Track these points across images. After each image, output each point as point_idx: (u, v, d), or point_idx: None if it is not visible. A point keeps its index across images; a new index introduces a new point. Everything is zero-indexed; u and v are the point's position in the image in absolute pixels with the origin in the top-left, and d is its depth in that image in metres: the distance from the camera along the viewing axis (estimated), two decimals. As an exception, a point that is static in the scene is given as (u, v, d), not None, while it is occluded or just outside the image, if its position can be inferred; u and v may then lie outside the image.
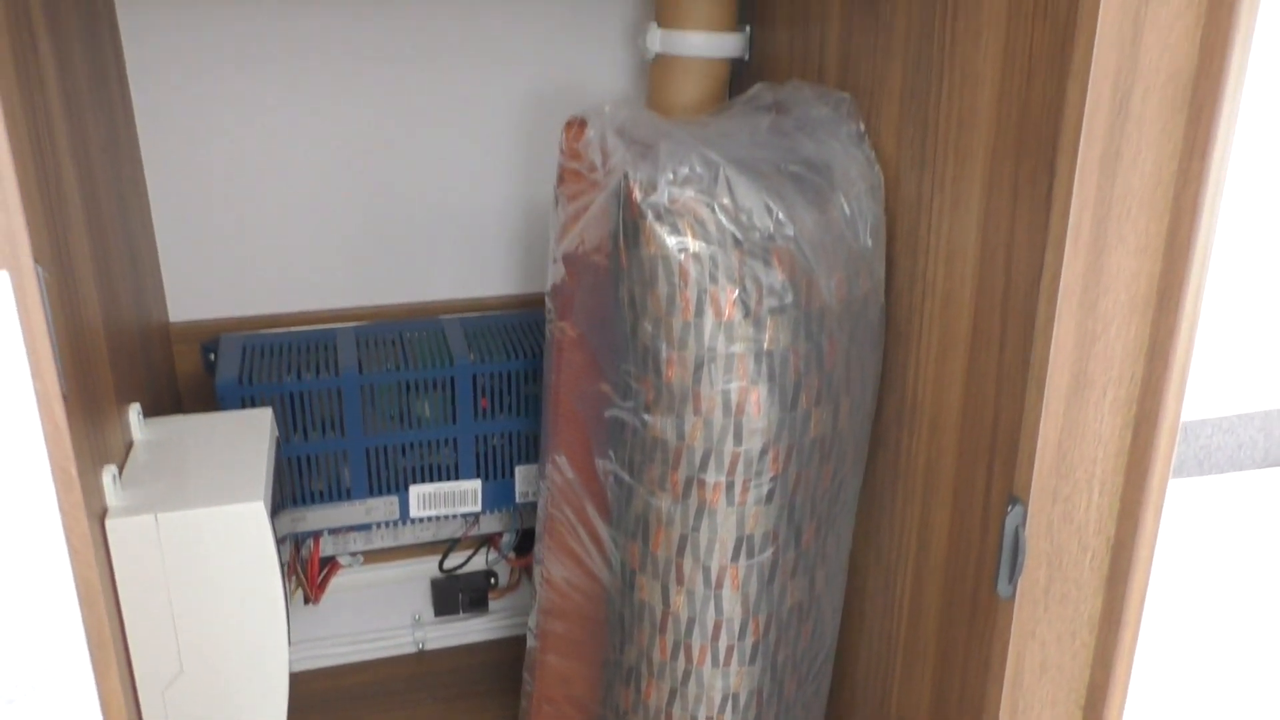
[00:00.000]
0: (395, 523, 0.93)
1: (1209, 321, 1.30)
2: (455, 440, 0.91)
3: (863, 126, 0.70)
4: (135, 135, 0.86)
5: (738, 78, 0.90)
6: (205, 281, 0.93)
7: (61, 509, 0.37)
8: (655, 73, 0.87)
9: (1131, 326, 0.48)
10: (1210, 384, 1.36)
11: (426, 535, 0.97)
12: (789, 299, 0.62)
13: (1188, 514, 1.27)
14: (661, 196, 0.60)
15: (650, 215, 0.60)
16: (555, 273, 0.74)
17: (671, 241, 0.60)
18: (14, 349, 0.35)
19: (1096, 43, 0.43)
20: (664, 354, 0.62)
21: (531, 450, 0.93)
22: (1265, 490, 1.34)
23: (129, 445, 0.71)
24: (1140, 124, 0.45)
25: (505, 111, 0.94)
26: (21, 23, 0.50)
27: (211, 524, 0.64)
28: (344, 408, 0.86)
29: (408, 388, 0.88)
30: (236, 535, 0.64)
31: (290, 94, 0.89)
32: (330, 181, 0.92)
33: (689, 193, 0.61)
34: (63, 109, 0.61)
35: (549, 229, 0.74)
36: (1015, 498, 0.53)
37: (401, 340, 0.92)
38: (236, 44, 0.86)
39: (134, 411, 0.72)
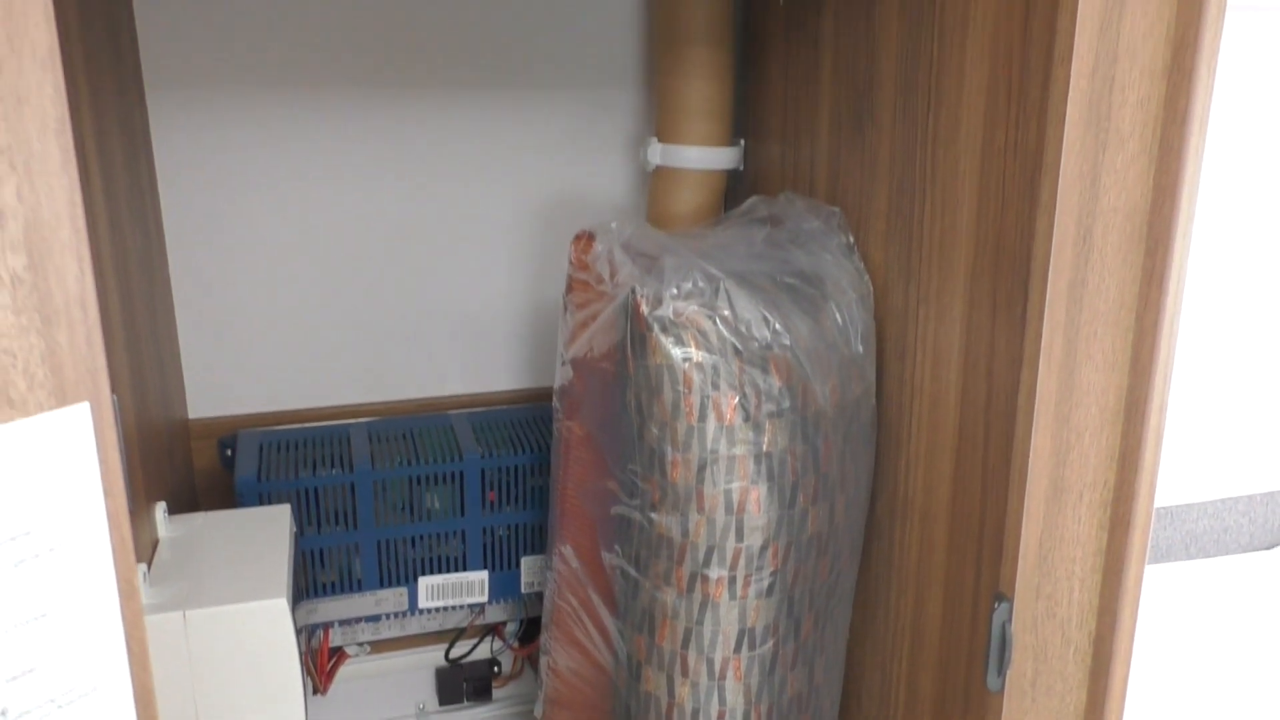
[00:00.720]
0: (403, 613, 0.95)
1: (1194, 409, 1.34)
2: (463, 532, 0.94)
3: (852, 239, 0.75)
4: (164, 244, 0.91)
5: (733, 187, 0.95)
6: (224, 379, 0.96)
7: (124, 617, 0.41)
8: (656, 183, 0.93)
9: (1103, 436, 0.52)
10: (1195, 469, 1.40)
11: (433, 625, 0.99)
12: (786, 404, 0.66)
13: (1175, 598, 1.30)
14: (666, 310, 0.65)
15: (656, 328, 0.65)
16: (563, 374, 0.78)
17: (676, 352, 0.64)
18: (90, 472, 0.39)
19: (1060, 183, 0.48)
20: (669, 456, 0.66)
21: (536, 541, 0.96)
22: (1251, 574, 1.37)
23: (155, 543, 0.74)
24: (1103, 255, 0.49)
25: (514, 215, 1.00)
26: (77, 149, 0.55)
27: (236, 620, 0.66)
28: (357, 502, 0.89)
29: (418, 481, 0.91)
30: (260, 630, 0.67)
31: (308, 202, 0.94)
32: (345, 283, 0.97)
33: (692, 306, 0.65)
34: (108, 228, 0.66)
35: (558, 333, 0.78)
36: (1001, 594, 0.56)
37: (412, 435, 0.96)
38: (257, 156, 0.91)
39: (160, 510, 0.75)
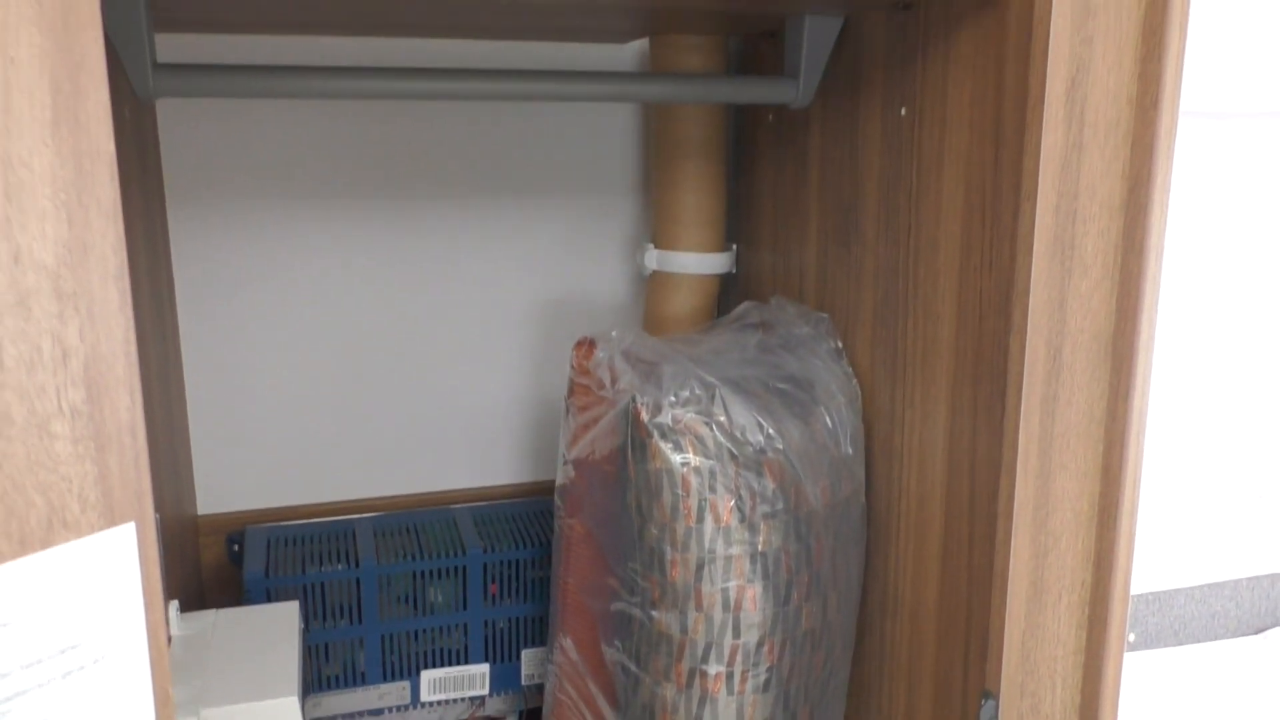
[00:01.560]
0: (406, 707, 0.96)
1: (1181, 494, 1.37)
2: (465, 625, 0.96)
3: (840, 344, 0.79)
4: (179, 346, 0.94)
5: (726, 289, 1.00)
6: (232, 475, 0.99)
7: (156, 723, 0.43)
8: (652, 286, 0.97)
9: (1079, 540, 0.56)
10: (1182, 554, 1.43)
11: (434, 718, 1.00)
12: (780, 504, 0.70)
13: (1164, 685, 1.31)
14: (666, 417, 0.68)
15: (656, 434, 0.68)
16: (565, 473, 0.81)
17: (675, 458, 0.68)
18: (133, 587, 0.42)
19: (1030, 307, 0.53)
20: (669, 555, 0.69)
21: (536, 634, 0.97)
22: (1239, 659, 1.39)
23: (168, 641, 0.76)
24: (1072, 372, 0.53)
25: (517, 314, 1.04)
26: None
27: (249, 719, 0.68)
28: (362, 596, 0.92)
29: (422, 576, 0.93)
30: (271, 729, 0.69)
31: (317, 304, 0.98)
32: (352, 381, 1.01)
33: (690, 413, 0.69)
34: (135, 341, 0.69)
35: (559, 432, 0.82)
36: (988, 692, 0.59)
37: (416, 530, 0.98)
38: (270, 262, 0.96)
39: (173, 608, 0.78)
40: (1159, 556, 1.39)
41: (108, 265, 0.40)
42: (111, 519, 0.41)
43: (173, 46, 0.87)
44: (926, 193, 0.67)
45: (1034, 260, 0.52)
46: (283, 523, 0.99)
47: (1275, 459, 1.39)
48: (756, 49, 0.93)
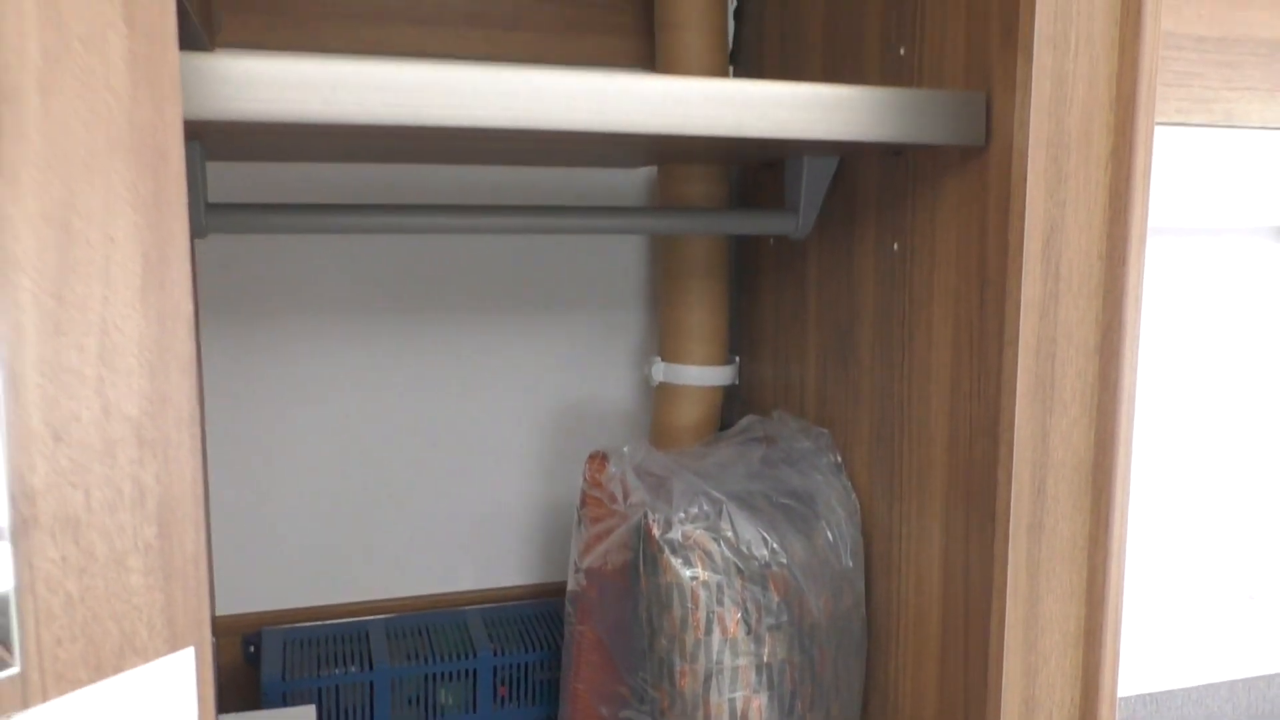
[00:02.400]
0: (414, 810, 0.98)
1: (1176, 596, 1.40)
2: (475, 728, 0.98)
3: (840, 459, 0.84)
4: (206, 452, 0.99)
5: (729, 399, 1.05)
6: (249, 577, 1.02)
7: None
8: (659, 397, 1.02)
9: (1066, 660, 0.59)
10: (1178, 655, 1.45)
11: (441, 821, 1.02)
12: (784, 617, 0.73)
13: (1164, 788, 1.32)
14: (676, 533, 0.72)
15: (667, 550, 0.72)
16: (576, 581, 0.85)
17: (685, 572, 0.71)
18: (189, 706, 0.45)
19: (1015, 442, 0.57)
20: (678, 666, 0.72)
21: (544, 736, 1.00)
22: (1237, 762, 1.40)
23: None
24: (1056, 502, 0.58)
25: (528, 423, 1.08)
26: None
27: (271, 826, 0.71)
28: (374, 700, 0.94)
29: (433, 678, 0.96)
30: (291, 836, 0.71)
31: (335, 412, 1.02)
32: (366, 485, 1.04)
33: (699, 529, 0.73)
34: (202, 480, 0.74)
35: (571, 541, 0.85)
36: (985, 804, 0.61)
37: (428, 632, 1.01)
38: (291, 371, 1.00)
39: (197, 713, 0.80)
40: (1156, 657, 1.42)
41: (182, 413, 0.44)
42: (174, 644, 0.45)
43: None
44: (918, 323, 0.72)
45: (1017, 399, 0.56)
46: (298, 624, 1.02)
47: (1263, 561, 1.42)
48: (757, 177, 1.00)
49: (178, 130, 0.43)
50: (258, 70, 0.49)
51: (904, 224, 0.74)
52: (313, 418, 1.02)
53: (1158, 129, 0.92)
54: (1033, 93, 0.55)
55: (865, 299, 0.80)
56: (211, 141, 0.68)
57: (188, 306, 0.44)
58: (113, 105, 0.41)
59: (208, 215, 0.69)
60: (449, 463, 1.07)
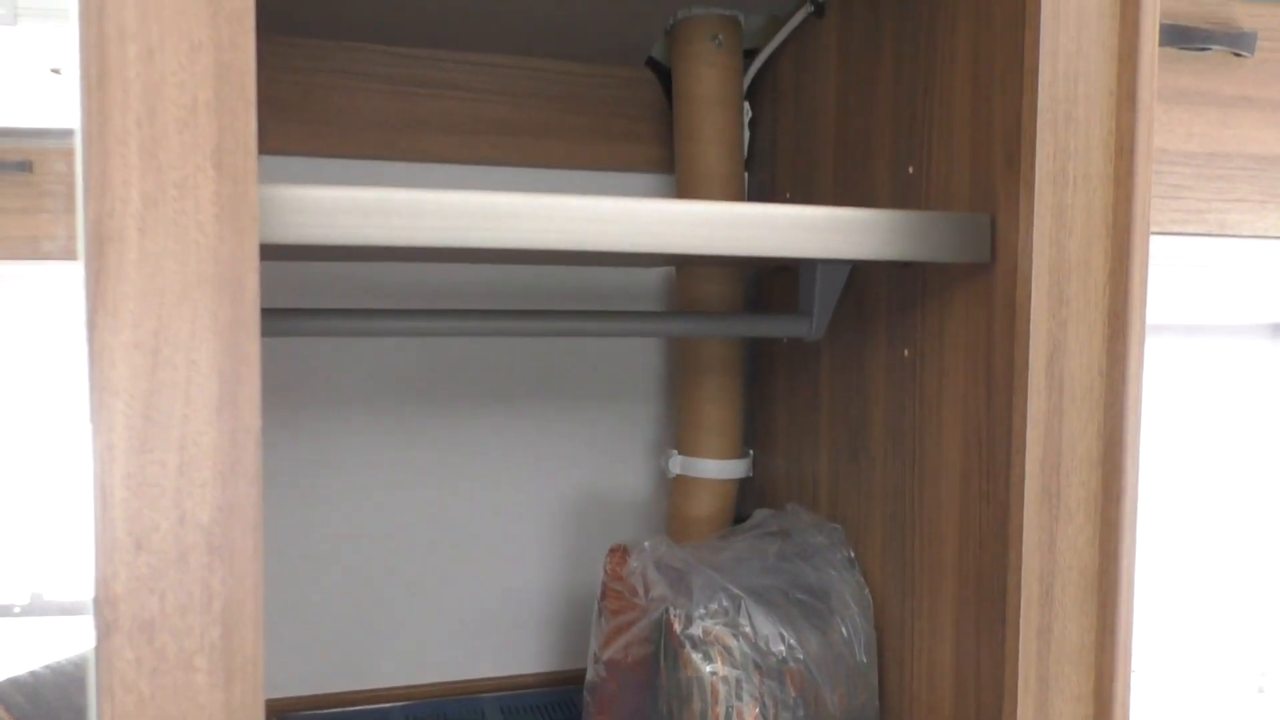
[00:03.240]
0: None
1: (1183, 691, 1.41)
2: (491, 818, 0.99)
3: (853, 554, 0.86)
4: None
5: (744, 492, 1.08)
6: (270, 665, 1.04)
7: None
8: (676, 489, 1.05)
9: (1076, 759, 0.61)
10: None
11: None
12: (801, 712, 0.75)
13: None
14: (696, 629, 0.75)
15: (688, 645, 0.74)
16: (595, 672, 0.87)
17: (705, 668, 0.74)
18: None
19: (1024, 549, 0.60)
20: (697, 759, 0.74)
21: (560, 827, 1.00)
22: None
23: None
24: (1063, 606, 0.60)
25: (547, 513, 1.11)
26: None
27: None
28: (394, 787, 0.95)
29: (452, 767, 0.97)
30: None
31: (352, 500, 1.05)
32: (387, 574, 1.07)
33: (718, 625, 0.75)
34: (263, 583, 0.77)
35: (590, 631, 0.88)
36: None
37: (446, 719, 1.02)
38: (316, 462, 1.04)
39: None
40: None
41: (248, 521, 0.48)
42: (232, 740, 0.47)
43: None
44: (928, 426, 0.75)
45: (1025, 506, 0.60)
46: (319, 711, 1.04)
47: (1272, 654, 1.43)
48: (772, 278, 1.04)
49: (255, 259, 0.48)
50: (325, 200, 0.53)
51: (914, 331, 0.78)
52: (332, 506, 1.05)
53: (1154, 238, 0.97)
54: (1035, 222, 0.59)
55: (877, 400, 0.84)
56: (266, 252, 0.72)
57: (256, 421, 0.48)
58: (200, 242, 0.45)
59: (264, 319, 0.73)
60: (468, 551, 1.09)
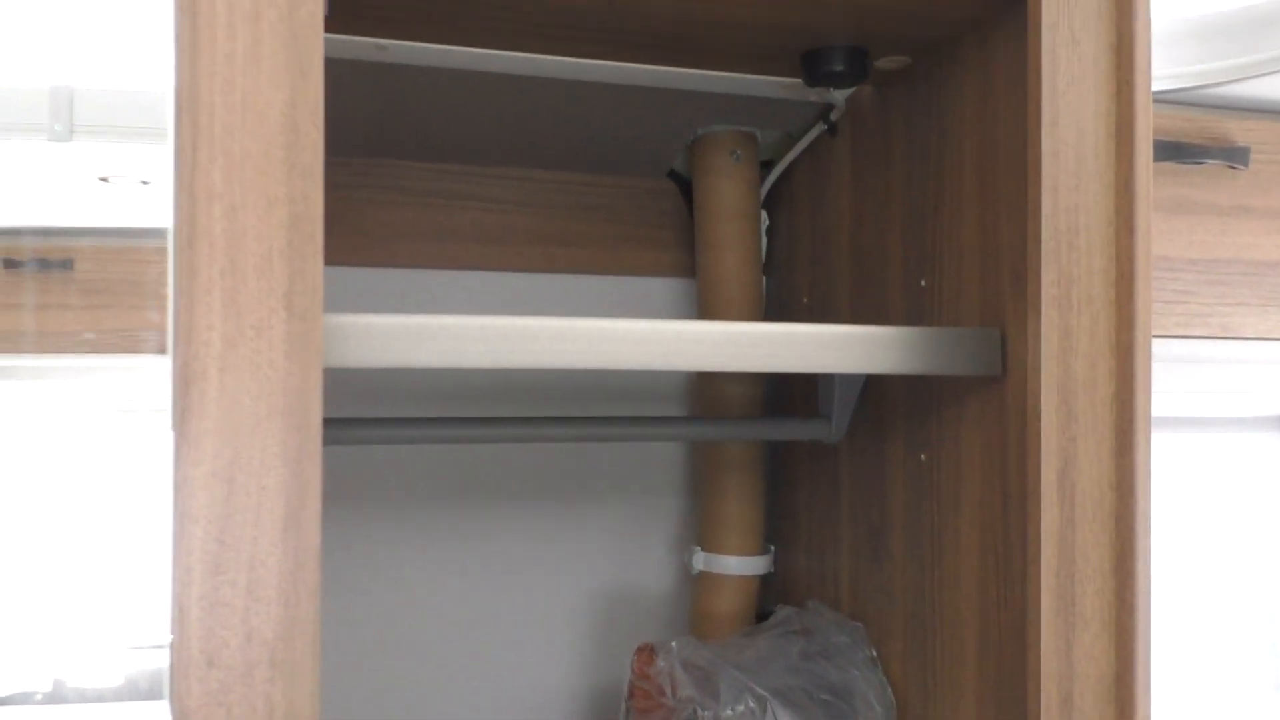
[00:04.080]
0: None
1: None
2: None
3: (875, 653, 0.88)
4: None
5: (766, 588, 1.10)
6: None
7: None
8: (699, 585, 1.07)
9: None
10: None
11: None
12: (827, 814, 0.77)
13: None
14: (724, 730, 0.76)
15: (716, 747, 0.76)
16: (623, 771, 0.88)
17: (734, 770, 0.76)
18: None
19: (1042, 657, 0.62)
20: None
21: None
22: None
23: None
24: (1082, 712, 0.62)
25: (566, 607, 1.13)
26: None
27: None
28: None
29: None
30: None
31: (374, 598, 1.07)
32: (407, 671, 1.08)
33: (745, 726, 0.77)
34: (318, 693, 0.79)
35: (617, 731, 0.89)
36: None
37: (473, 817, 1.03)
38: (333, 559, 1.06)
39: None
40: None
41: (308, 635, 0.51)
42: None
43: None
44: (946, 529, 0.78)
45: (1042, 614, 0.62)
46: (347, 808, 1.05)
47: None
48: (790, 375, 1.08)
49: (319, 388, 0.52)
50: (382, 326, 0.57)
51: (930, 436, 0.81)
52: (355, 605, 1.07)
53: (1160, 340, 1.01)
54: (1042, 344, 0.63)
55: (895, 501, 0.87)
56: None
57: (317, 540, 0.51)
58: (272, 377, 0.49)
59: (326, 429, 0.76)
60: (494, 649, 1.11)
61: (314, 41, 0.51)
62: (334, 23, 0.56)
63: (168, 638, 0.45)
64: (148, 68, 1.40)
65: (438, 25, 0.73)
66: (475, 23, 0.73)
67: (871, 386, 0.91)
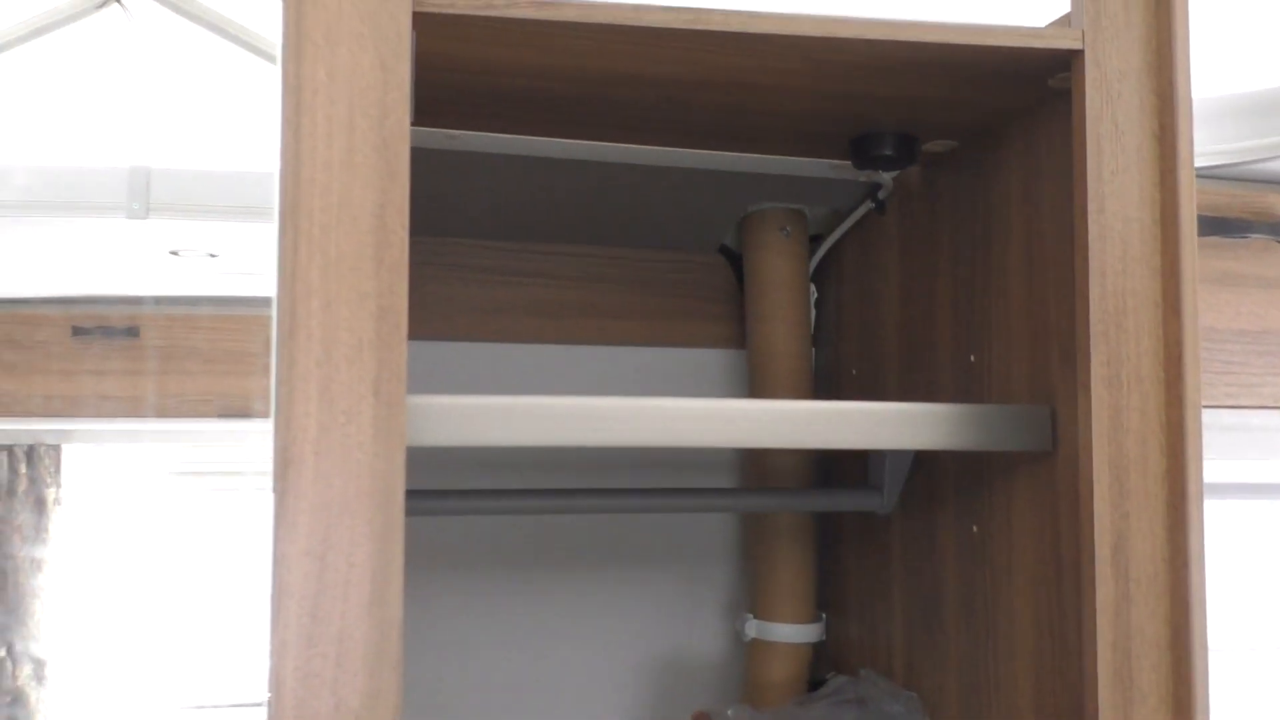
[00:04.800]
0: None
1: None
2: None
3: (929, 724, 0.89)
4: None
5: (818, 656, 1.10)
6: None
7: None
8: (752, 652, 1.08)
9: None
10: None
11: None
12: None
13: None
14: (782, 801, 0.77)
15: (775, 818, 0.77)
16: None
17: (792, 841, 0.76)
18: None
19: (1101, 731, 0.63)
20: None
21: None
22: None
23: None
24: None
25: (623, 673, 1.14)
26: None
27: None
28: None
29: None
30: None
31: (421, 668, 1.09)
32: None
33: (803, 797, 0.78)
34: None
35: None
36: None
37: None
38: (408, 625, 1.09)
39: None
40: None
41: (390, 704, 0.53)
42: None
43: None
44: (1000, 600, 0.79)
45: (1100, 689, 0.63)
46: None
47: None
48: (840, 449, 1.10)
49: (403, 468, 0.55)
50: (463, 407, 0.61)
51: (982, 509, 0.83)
52: (413, 670, 1.09)
53: (1210, 410, 1.01)
54: (1093, 423, 0.65)
55: (948, 571, 0.88)
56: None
57: (399, 613, 0.54)
58: (361, 460, 0.52)
59: (406, 500, 0.80)
60: (548, 713, 1.12)
61: (401, 147, 0.55)
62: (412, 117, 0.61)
63: (266, 697, 0.48)
64: (221, 149, 1.47)
65: (507, 119, 0.78)
66: (543, 116, 0.78)
67: (922, 457, 0.92)
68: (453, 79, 0.69)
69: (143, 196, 1.33)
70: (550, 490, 0.85)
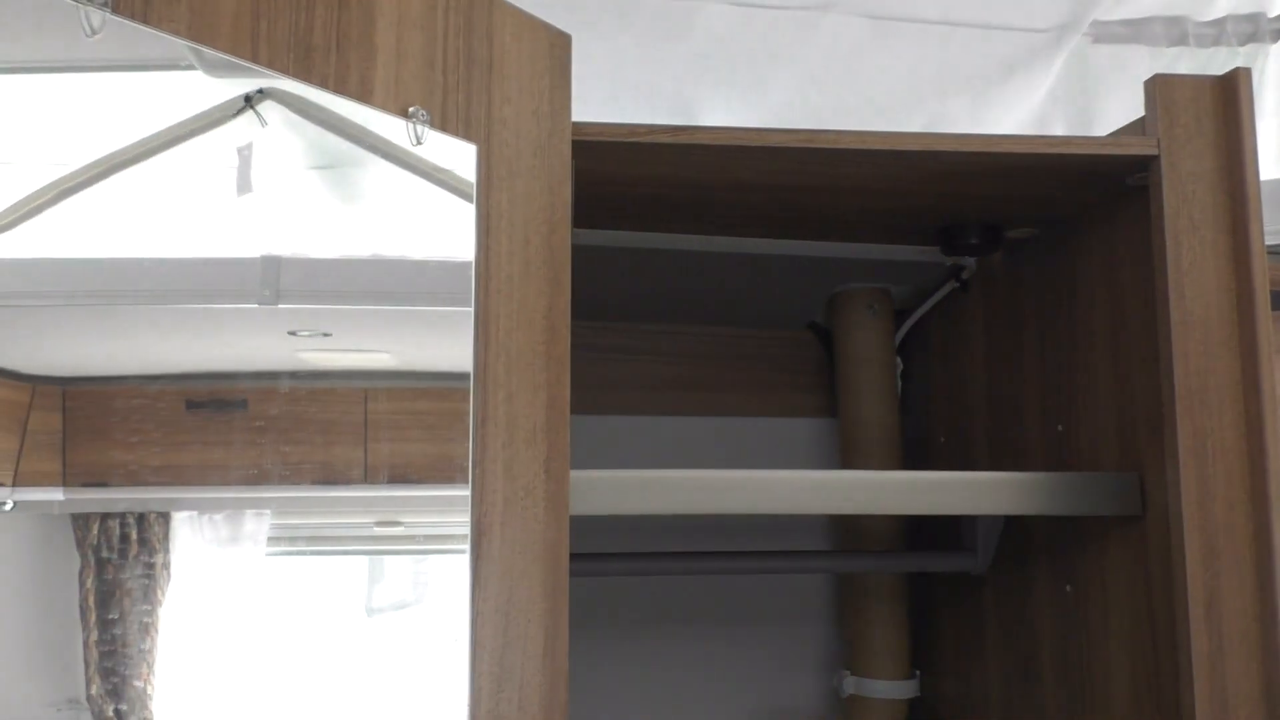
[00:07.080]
0: None
1: None
2: None
3: (1029, 776, 0.93)
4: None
5: (914, 712, 1.15)
6: None
7: None
8: (849, 708, 1.13)
9: None
10: None
11: None
12: None
13: None
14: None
15: None
16: None
17: None
18: None
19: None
20: None
21: None
22: None
23: None
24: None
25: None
26: None
27: None
28: None
29: None
30: None
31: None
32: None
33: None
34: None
35: None
36: None
37: None
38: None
39: None
40: None
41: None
42: None
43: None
44: (1096, 657, 0.84)
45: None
46: None
47: None
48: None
49: (568, 534, 0.63)
50: (616, 480, 0.69)
51: (1074, 569, 0.88)
52: (541, 721, 1.16)
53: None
54: (1182, 492, 0.71)
55: (1043, 629, 0.93)
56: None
57: (566, 664, 0.62)
58: (536, 531, 0.61)
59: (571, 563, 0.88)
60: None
61: (564, 256, 0.64)
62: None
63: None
64: (338, 237, 1.59)
65: (632, 219, 0.87)
66: (661, 216, 0.87)
67: (1013, 520, 0.98)
68: (590, 190, 0.78)
69: (274, 283, 1.45)
70: (683, 553, 0.92)
